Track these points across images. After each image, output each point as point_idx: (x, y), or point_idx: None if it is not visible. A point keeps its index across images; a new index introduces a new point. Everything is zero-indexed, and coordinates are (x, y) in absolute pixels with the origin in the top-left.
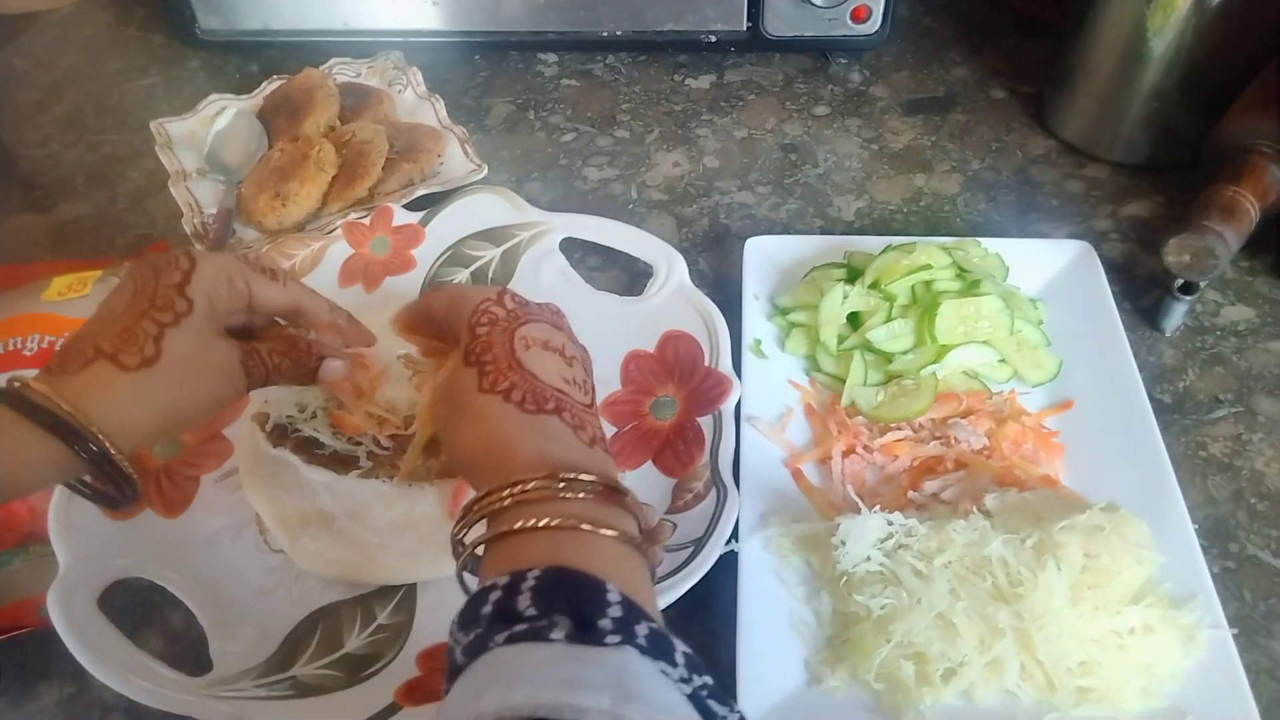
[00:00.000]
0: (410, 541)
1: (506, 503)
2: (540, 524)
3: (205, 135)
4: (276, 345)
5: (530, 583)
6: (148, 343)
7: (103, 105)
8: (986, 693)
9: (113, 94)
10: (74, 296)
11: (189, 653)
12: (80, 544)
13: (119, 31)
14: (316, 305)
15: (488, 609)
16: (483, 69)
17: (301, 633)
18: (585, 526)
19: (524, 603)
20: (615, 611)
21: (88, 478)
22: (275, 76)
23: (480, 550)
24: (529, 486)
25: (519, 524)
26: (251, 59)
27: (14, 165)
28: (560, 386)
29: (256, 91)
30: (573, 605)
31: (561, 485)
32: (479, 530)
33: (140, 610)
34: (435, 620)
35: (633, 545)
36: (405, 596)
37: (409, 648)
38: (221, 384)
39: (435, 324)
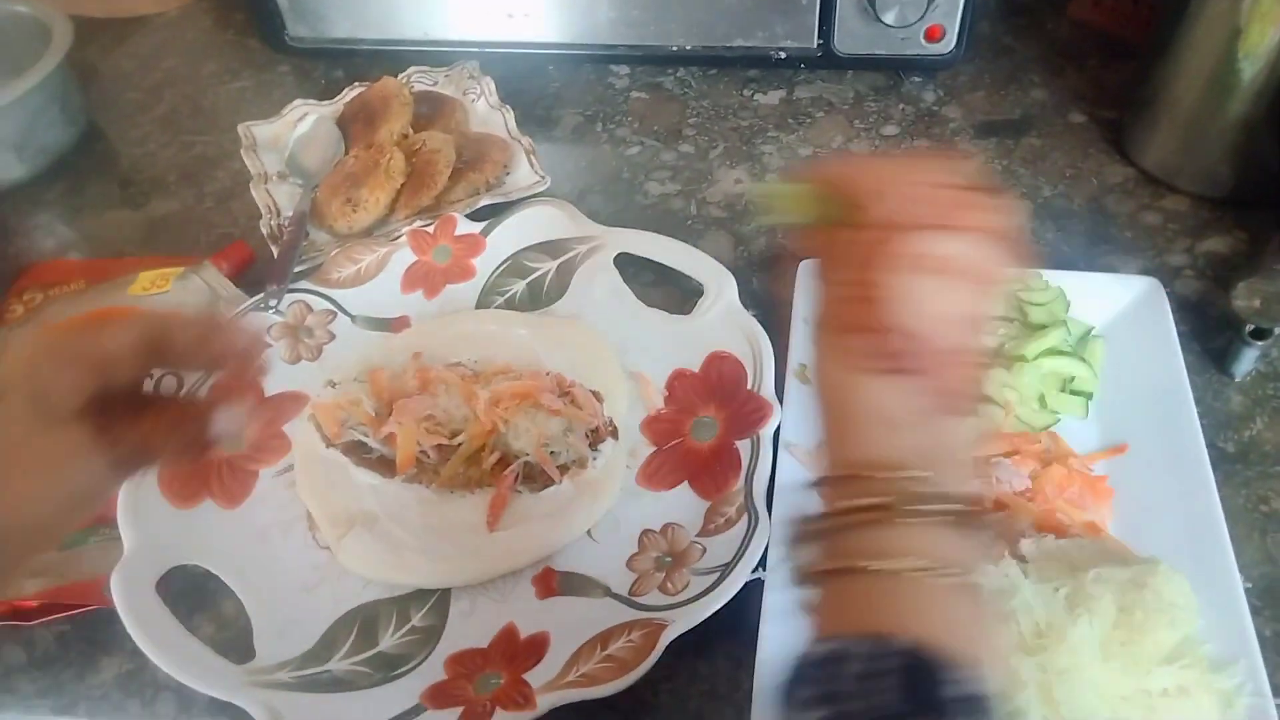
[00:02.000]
0: (447, 547)
1: (840, 522)
2: (897, 568)
3: (288, 139)
4: (146, 419)
5: (895, 660)
6: None
7: (198, 106)
8: None
9: (208, 96)
10: (156, 292)
11: (236, 640)
12: (145, 529)
13: (218, 35)
14: (170, 323)
15: (849, 685)
16: (555, 80)
17: (340, 629)
18: (947, 576)
19: (891, 690)
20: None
21: None
22: (356, 84)
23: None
24: (865, 508)
25: (854, 561)
26: (338, 65)
27: (115, 163)
28: (948, 337)
29: (338, 98)
30: (946, 708)
31: (903, 506)
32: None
33: (196, 596)
34: (466, 625)
35: (967, 582)
36: (439, 601)
37: (439, 651)
38: (69, 476)
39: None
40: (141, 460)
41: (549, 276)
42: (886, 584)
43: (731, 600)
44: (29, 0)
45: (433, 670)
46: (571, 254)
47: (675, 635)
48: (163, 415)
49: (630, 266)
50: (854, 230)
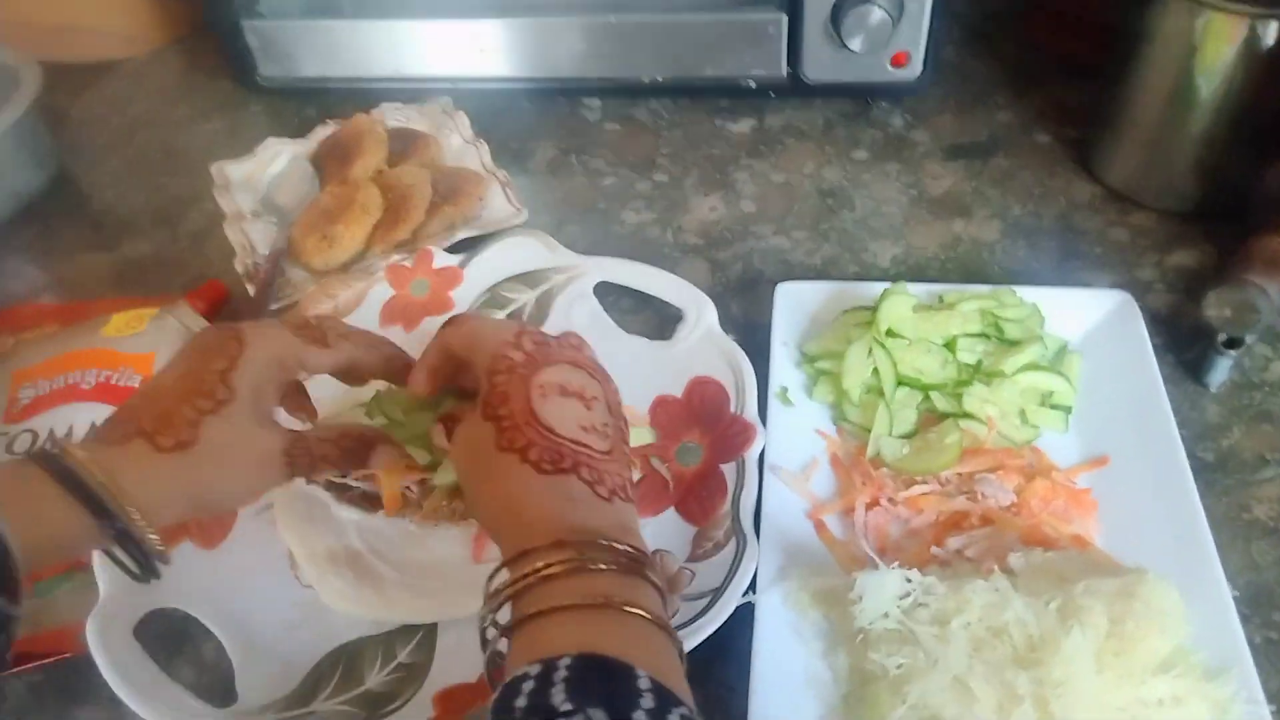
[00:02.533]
0: (432, 581)
1: (529, 582)
2: (565, 604)
3: (262, 178)
4: (326, 434)
5: (562, 673)
6: (184, 427)
7: (169, 148)
8: None
9: (179, 137)
10: (131, 333)
11: (218, 683)
12: (121, 573)
13: (188, 78)
14: (370, 359)
15: (522, 701)
16: (527, 114)
17: (324, 668)
18: (612, 605)
19: (558, 696)
20: (648, 702)
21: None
22: (329, 121)
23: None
24: (550, 564)
25: (544, 605)
26: (309, 103)
27: (86, 206)
28: (577, 438)
29: (310, 136)
30: (606, 697)
31: (583, 559)
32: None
33: (175, 639)
34: (454, 661)
35: (658, 623)
36: (425, 636)
37: (426, 688)
38: (258, 475)
39: (458, 365)
40: (310, 468)
41: (528, 307)
42: (571, 617)
43: (722, 625)
44: None
45: (421, 708)
46: (549, 284)
47: None
48: (331, 430)
49: (609, 294)
50: (495, 384)
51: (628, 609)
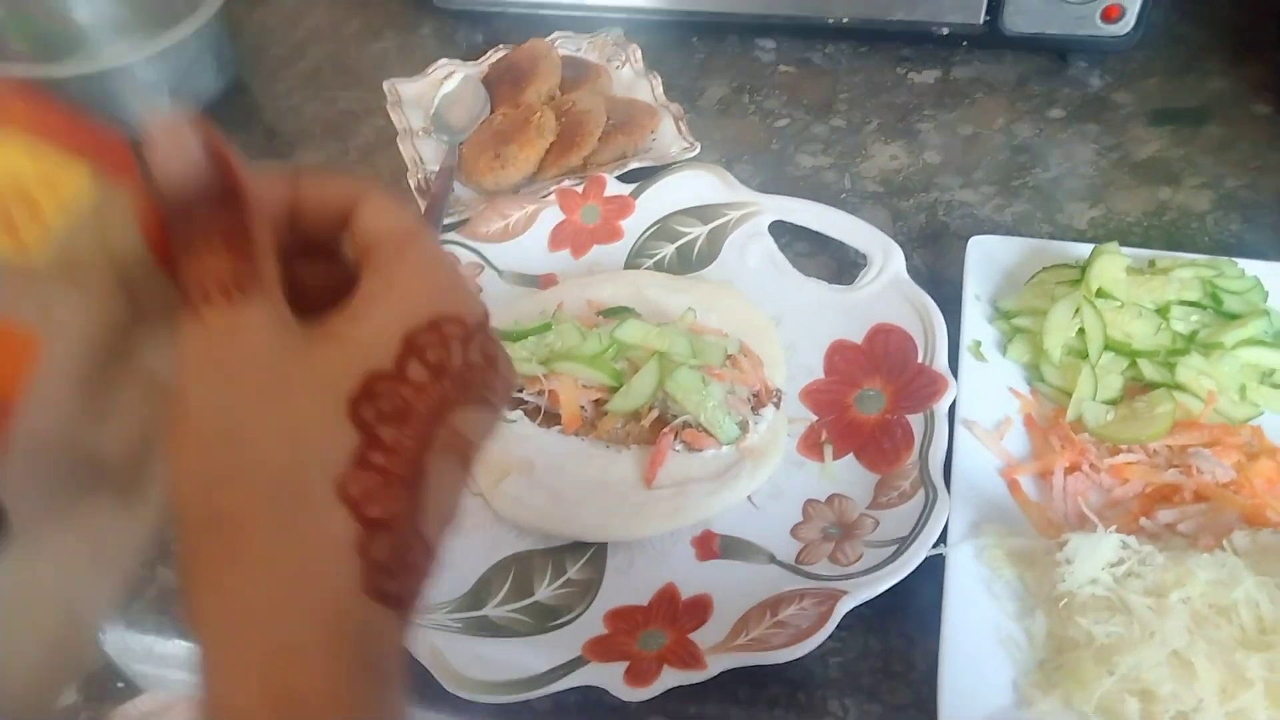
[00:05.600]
0: (604, 500)
1: None
2: None
3: (433, 97)
4: None
5: None
6: None
7: (341, 64)
8: None
9: (350, 54)
10: None
11: None
12: None
13: None
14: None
15: None
16: (699, 50)
17: (493, 575)
18: None
19: None
20: None
21: None
22: (501, 46)
23: None
24: None
25: None
26: (479, 28)
27: (260, 114)
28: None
29: (483, 59)
30: None
31: None
32: None
33: None
34: (623, 581)
35: None
36: (595, 555)
37: (597, 605)
38: None
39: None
40: None
41: (699, 241)
42: None
43: (906, 577)
44: None
45: (592, 624)
46: (724, 220)
47: (853, 605)
48: None
49: (782, 235)
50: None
51: None
